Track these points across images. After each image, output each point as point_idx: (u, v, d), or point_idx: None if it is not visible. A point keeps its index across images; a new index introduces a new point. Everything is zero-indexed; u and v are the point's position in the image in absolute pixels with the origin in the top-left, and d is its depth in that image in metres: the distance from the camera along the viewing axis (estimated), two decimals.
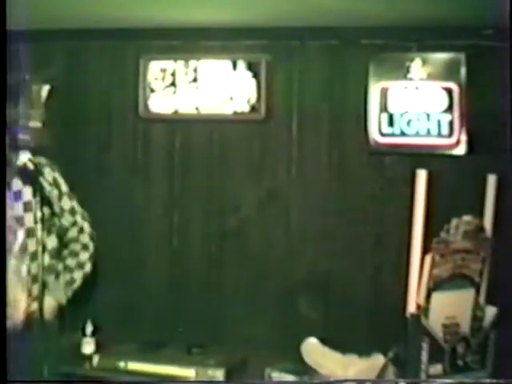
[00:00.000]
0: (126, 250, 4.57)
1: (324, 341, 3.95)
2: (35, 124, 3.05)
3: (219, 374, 3.86)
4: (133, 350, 4.17)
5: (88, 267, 3.20)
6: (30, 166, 2.78)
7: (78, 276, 3.16)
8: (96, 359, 4.02)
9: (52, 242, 3.04)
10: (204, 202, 4.49)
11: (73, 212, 3.17)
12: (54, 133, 4.28)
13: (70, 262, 3.14)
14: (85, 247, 3.21)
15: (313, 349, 3.91)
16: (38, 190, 2.75)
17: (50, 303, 2.96)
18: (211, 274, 4.47)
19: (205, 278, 4.48)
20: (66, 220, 3.14)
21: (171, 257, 4.53)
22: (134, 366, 3.99)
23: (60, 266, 3.11)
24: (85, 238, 3.22)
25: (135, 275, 4.57)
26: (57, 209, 3.04)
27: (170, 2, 3.63)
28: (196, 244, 4.51)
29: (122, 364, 3.99)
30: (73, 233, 3.19)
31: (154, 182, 4.56)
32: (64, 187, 3.13)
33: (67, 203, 3.14)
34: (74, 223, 3.19)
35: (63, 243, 3.16)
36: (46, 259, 2.91)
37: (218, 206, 4.46)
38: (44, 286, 2.82)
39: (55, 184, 3.06)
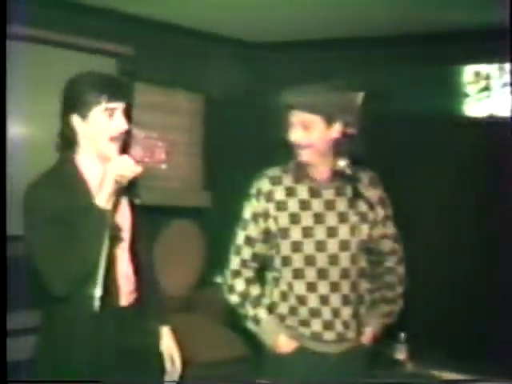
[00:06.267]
0: None
1: None
2: (351, 130, 3.07)
3: None
4: (445, 359, 4.07)
5: (401, 302, 2.90)
6: (348, 171, 2.71)
7: (396, 310, 2.89)
8: (409, 366, 4.00)
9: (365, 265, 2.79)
10: None
11: (395, 239, 2.87)
12: (368, 139, 4.35)
13: (388, 294, 2.86)
14: (400, 280, 2.89)
15: None
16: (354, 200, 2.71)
17: (368, 333, 2.79)
18: None
19: None
20: (387, 246, 2.85)
21: None
22: (447, 375, 3.91)
23: (377, 295, 2.84)
24: (401, 270, 2.89)
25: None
26: (377, 232, 2.78)
27: None
28: None
29: (435, 373, 3.93)
30: (390, 263, 2.88)
31: None
32: (390, 210, 2.84)
33: (391, 228, 2.85)
34: (394, 251, 2.88)
35: (380, 271, 2.89)
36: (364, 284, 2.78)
37: None
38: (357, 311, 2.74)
39: (381, 203, 2.80)
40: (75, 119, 2.34)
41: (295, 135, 2.67)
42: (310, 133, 2.66)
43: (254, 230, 2.77)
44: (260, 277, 2.84)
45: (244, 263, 2.78)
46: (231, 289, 2.79)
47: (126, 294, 2.46)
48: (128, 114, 2.39)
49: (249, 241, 2.78)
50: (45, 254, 2.25)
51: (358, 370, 2.81)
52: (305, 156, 2.69)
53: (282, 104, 2.69)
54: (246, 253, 2.78)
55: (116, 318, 2.40)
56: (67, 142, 2.41)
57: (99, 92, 2.31)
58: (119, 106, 2.35)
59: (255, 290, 2.78)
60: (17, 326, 3.68)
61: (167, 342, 2.65)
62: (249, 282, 2.78)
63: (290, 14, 4.40)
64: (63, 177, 2.37)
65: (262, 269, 2.85)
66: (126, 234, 2.48)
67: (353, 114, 2.80)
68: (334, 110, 2.67)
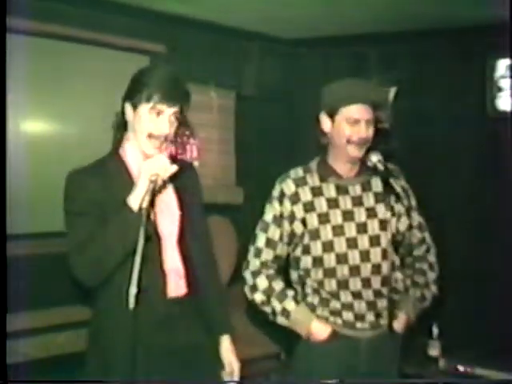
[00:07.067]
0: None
1: None
2: (383, 125, 3.06)
3: None
4: (478, 356, 4.04)
5: (434, 288, 2.86)
6: (380, 167, 2.67)
7: (429, 295, 2.85)
8: (442, 362, 3.98)
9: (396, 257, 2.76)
10: None
11: (421, 228, 2.87)
12: (400, 135, 4.36)
13: (419, 279, 2.83)
14: (431, 267, 2.87)
15: None
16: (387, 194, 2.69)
17: (401, 318, 2.74)
18: None
19: None
20: (414, 236, 2.85)
21: None
22: (480, 371, 3.89)
23: (408, 282, 2.81)
24: (431, 258, 2.89)
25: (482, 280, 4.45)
26: (403, 224, 2.76)
27: None
28: None
29: (468, 369, 3.91)
30: (419, 251, 2.88)
31: None
32: (413, 201, 2.86)
33: (416, 218, 2.85)
34: (423, 241, 2.88)
35: (410, 260, 2.87)
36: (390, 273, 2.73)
37: None
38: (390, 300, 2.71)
39: (405, 194, 2.79)
40: (127, 106, 2.37)
41: (358, 131, 2.65)
42: (371, 128, 2.68)
43: (275, 233, 2.76)
44: (281, 274, 2.82)
45: (264, 264, 2.77)
46: (254, 288, 2.77)
47: (174, 288, 2.42)
48: (179, 119, 2.37)
49: (269, 243, 2.77)
50: (73, 243, 2.27)
51: (391, 355, 2.79)
52: (357, 152, 2.68)
53: (338, 99, 2.66)
54: (267, 255, 2.77)
55: (162, 312, 2.39)
56: (118, 129, 2.44)
57: (153, 90, 2.30)
58: (169, 110, 2.32)
59: (278, 285, 2.76)
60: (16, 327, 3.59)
61: (227, 351, 2.61)
62: (271, 278, 2.76)
63: (320, 10, 4.39)
64: (108, 168, 2.38)
65: (282, 268, 2.84)
66: (174, 229, 2.45)
67: (387, 109, 2.81)
68: (382, 105, 2.72)
